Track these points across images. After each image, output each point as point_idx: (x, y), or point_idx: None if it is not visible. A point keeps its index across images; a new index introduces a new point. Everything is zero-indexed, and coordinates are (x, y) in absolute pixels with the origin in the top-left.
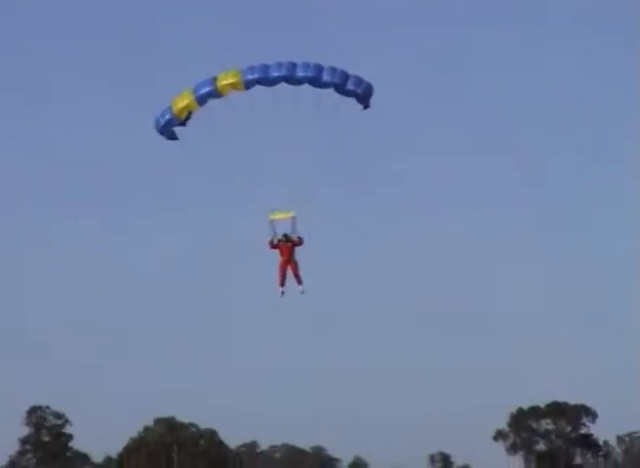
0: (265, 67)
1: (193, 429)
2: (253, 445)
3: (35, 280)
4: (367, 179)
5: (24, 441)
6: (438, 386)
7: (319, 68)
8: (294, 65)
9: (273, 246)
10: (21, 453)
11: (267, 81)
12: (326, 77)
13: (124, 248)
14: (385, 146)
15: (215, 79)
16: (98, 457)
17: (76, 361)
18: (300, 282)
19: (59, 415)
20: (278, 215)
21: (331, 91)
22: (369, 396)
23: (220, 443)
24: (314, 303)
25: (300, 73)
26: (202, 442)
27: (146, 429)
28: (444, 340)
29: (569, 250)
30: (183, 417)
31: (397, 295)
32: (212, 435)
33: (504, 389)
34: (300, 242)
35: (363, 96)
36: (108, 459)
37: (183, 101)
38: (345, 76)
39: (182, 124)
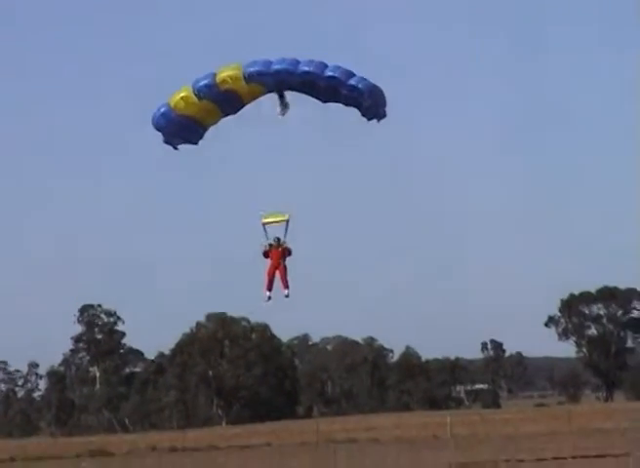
0: (267, 62)
1: (245, 324)
2: (305, 337)
3: (89, 180)
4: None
5: (77, 339)
6: (489, 275)
7: (323, 65)
8: (297, 61)
9: (266, 254)
10: (75, 352)
11: (269, 74)
12: (328, 72)
13: None
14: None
15: (214, 74)
16: (150, 354)
17: (128, 258)
18: (286, 286)
19: (110, 313)
20: (272, 218)
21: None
22: (421, 286)
23: (272, 336)
24: (360, 190)
25: (302, 68)
26: (254, 336)
27: (198, 325)
28: (495, 230)
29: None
30: (235, 312)
31: (444, 188)
32: (264, 329)
33: (555, 275)
34: (289, 253)
35: (368, 95)
36: (161, 355)
37: (181, 93)
38: (349, 73)
39: (193, 142)
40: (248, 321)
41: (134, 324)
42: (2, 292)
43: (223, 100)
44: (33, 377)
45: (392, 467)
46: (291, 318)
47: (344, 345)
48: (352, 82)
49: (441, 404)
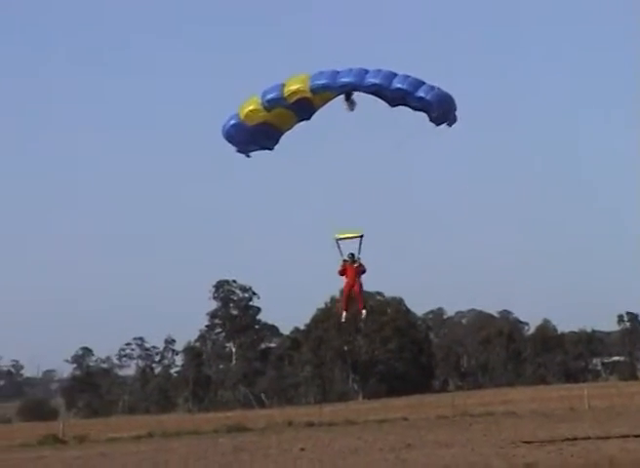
0: (334, 73)
1: (380, 298)
2: (439, 311)
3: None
4: None
5: (213, 315)
6: (624, 247)
7: (390, 75)
8: (365, 71)
9: (342, 272)
10: (210, 328)
11: (335, 87)
12: (396, 84)
13: None
14: None
15: (283, 85)
16: (285, 329)
17: (261, 233)
18: (363, 306)
19: (245, 289)
20: (346, 235)
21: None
22: (556, 257)
23: (407, 311)
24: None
25: (369, 79)
26: (389, 310)
27: (333, 299)
28: (622, 204)
29: None
30: (369, 287)
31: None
32: (398, 303)
33: None
34: (364, 270)
35: (437, 105)
36: (296, 331)
37: (249, 106)
38: (418, 84)
39: (268, 148)
40: (382, 295)
41: (269, 299)
42: (139, 270)
43: (295, 108)
44: (170, 354)
45: (529, 440)
46: (425, 292)
47: (479, 319)
48: (420, 94)
49: (577, 376)
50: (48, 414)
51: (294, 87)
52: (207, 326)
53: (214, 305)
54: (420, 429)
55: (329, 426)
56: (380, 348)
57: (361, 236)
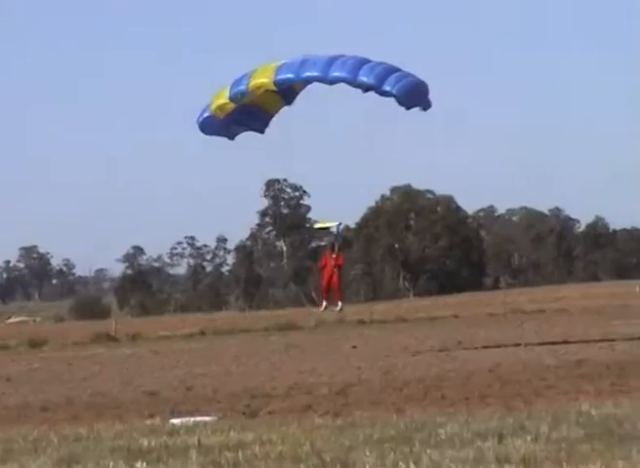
0: (301, 64)
1: (430, 196)
2: (490, 209)
3: None
4: None
5: (264, 214)
6: None
7: (356, 67)
8: (331, 63)
9: (322, 265)
10: (261, 226)
11: (299, 81)
12: (361, 77)
13: None
14: None
15: (249, 77)
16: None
17: (312, 131)
18: (339, 298)
19: (296, 188)
20: (325, 224)
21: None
22: (609, 157)
23: (458, 208)
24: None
25: (333, 73)
26: (439, 208)
27: (383, 198)
28: None
29: None
30: (419, 185)
31: None
32: (449, 201)
33: None
34: (340, 264)
35: (404, 98)
36: (347, 229)
37: (219, 100)
38: (385, 75)
39: (230, 137)
40: (433, 193)
41: (319, 198)
42: (189, 168)
43: (266, 98)
44: (221, 252)
45: (581, 337)
46: (476, 190)
47: (530, 216)
48: (386, 87)
49: (629, 273)
50: (100, 313)
51: (259, 80)
52: (258, 224)
53: (265, 204)
54: (470, 326)
55: (380, 324)
56: (430, 246)
57: (339, 224)
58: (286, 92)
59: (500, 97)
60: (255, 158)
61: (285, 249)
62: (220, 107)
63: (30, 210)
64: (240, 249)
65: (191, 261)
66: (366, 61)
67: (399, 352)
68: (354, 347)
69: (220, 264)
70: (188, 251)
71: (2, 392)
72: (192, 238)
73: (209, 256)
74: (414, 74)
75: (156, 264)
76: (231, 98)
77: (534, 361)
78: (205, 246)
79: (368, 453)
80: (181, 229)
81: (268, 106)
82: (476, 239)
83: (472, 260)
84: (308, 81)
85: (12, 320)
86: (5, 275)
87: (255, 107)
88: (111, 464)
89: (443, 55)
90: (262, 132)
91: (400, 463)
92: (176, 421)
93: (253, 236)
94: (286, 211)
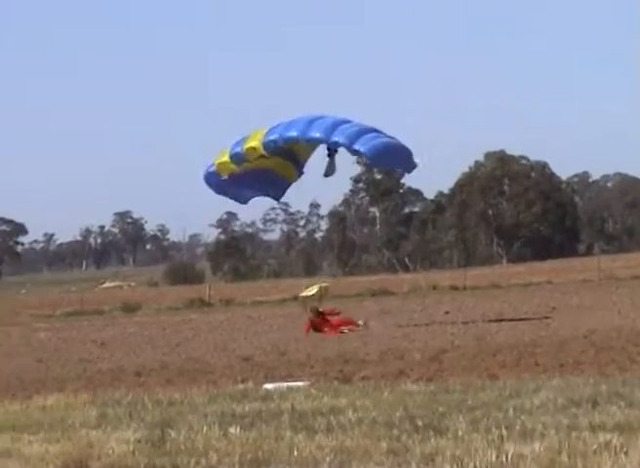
0: (284, 128)
1: (524, 162)
2: (584, 175)
3: None
4: None
5: (357, 180)
6: None
7: (331, 129)
8: (309, 124)
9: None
10: (354, 192)
11: (284, 141)
12: (334, 137)
13: None
14: None
15: (245, 140)
16: (429, 193)
17: (403, 97)
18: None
19: None
20: (311, 292)
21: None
22: None
23: (552, 174)
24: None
25: (310, 134)
26: (533, 174)
27: (477, 164)
28: None
29: None
30: (514, 150)
31: None
32: (543, 167)
33: None
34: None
35: (375, 159)
36: (440, 195)
37: (221, 158)
38: (358, 135)
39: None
40: (527, 159)
41: None
42: None
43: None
44: (314, 218)
45: None
46: (570, 156)
47: (625, 182)
48: (356, 147)
49: None
50: (194, 278)
51: (251, 144)
52: (351, 190)
53: (358, 170)
54: (564, 293)
55: (473, 290)
56: (524, 212)
57: (322, 287)
58: (289, 157)
59: (600, 62)
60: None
61: (378, 214)
62: (223, 165)
63: (124, 175)
64: (333, 214)
65: (284, 227)
66: (343, 122)
67: (493, 318)
68: (447, 313)
69: (314, 230)
70: (282, 216)
71: (96, 356)
72: (285, 204)
73: (302, 222)
74: (394, 137)
75: (249, 230)
76: (231, 158)
77: (628, 327)
78: (298, 211)
79: (461, 419)
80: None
81: (285, 173)
82: (570, 205)
83: (566, 226)
84: (289, 140)
85: (106, 285)
86: (99, 240)
87: (271, 173)
88: (205, 429)
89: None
90: (279, 199)
91: (493, 429)
92: (269, 386)
93: (346, 202)
94: (379, 176)
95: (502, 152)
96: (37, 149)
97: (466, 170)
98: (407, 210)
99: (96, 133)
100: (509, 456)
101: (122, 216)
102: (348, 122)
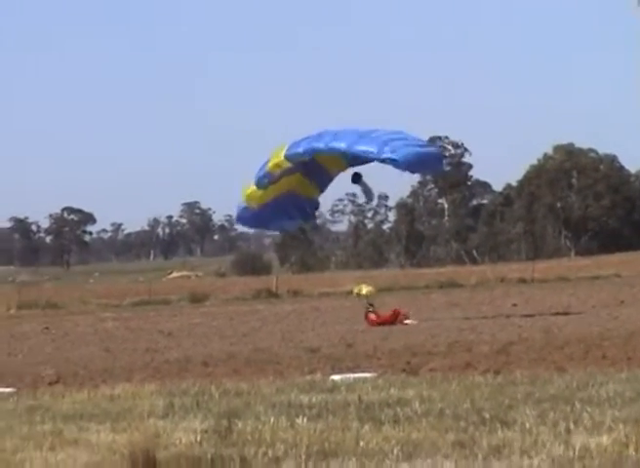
0: (308, 140)
1: (593, 155)
2: None
3: None
4: None
5: None
6: None
7: (357, 138)
8: (334, 136)
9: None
10: (423, 184)
11: (308, 153)
12: (362, 147)
13: None
14: None
15: (266, 163)
16: (498, 185)
17: (475, 87)
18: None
19: (457, 145)
20: (364, 290)
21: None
22: None
23: (621, 167)
24: None
25: (336, 145)
26: (602, 167)
27: (546, 156)
28: None
29: None
30: (583, 143)
31: None
32: (612, 160)
33: None
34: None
35: (406, 167)
36: (508, 187)
37: (249, 190)
38: (384, 144)
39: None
40: (596, 152)
41: (481, 156)
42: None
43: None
44: (383, 209)
45: None
46: (638, 148)
47: None
48: (386, 155)
49: None
50: (261, 269)
51: (273, 161)
52: (419, 182)
53: None
54: (633, 286)
55: (541, 283)
56: (593, 205)
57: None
58: (314, 173)
59: None
60: (415, 113)
61: (446, 206)
62: (252, 196)
63: (192, 165)
64: (401, 206)
65: (352, 218)
66: (368, 134)
67: (560, 311)
68: (515, 305)
69: (382, 221)
70: (349, 207)
71: (164, 346)
72: (354, 195)
73: (370, 214)
74: (420, 139)
75: (317, 221)
76: (257, 184)
77: None
78: (366, 203)
79: (528, 412)
80: (342, 186)
81: (307, 192)
82: (639, 199)
83: (635, 220)
84: (313, 152)
85: (174, 275)
86: (168, 230)
87: (294, 196)
88: (272, 420)
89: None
90: (309, 220)
91: (560, 422)
92: (336, 378)
93: (414, 193)
94: (448, 168)
95: (571, 145)
96: (105, 139)
97: (535, 162)
98: (475, 202)
99: (164, 122)
100: (577, 449)
101: (190, 207)
102: (374, 131)
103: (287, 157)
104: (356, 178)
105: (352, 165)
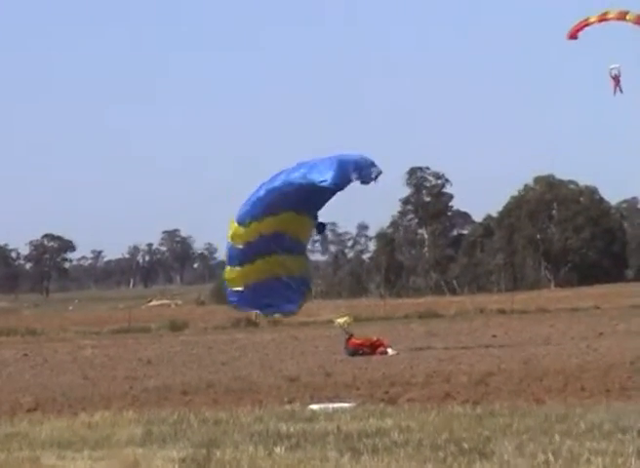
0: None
1: (573, 186)
2: (633, 200)
3: None
4: None
5: (405, 201)
6: None
7: (288, 179)
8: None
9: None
10: (403, 214)
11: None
12: (298, 180)
13: None
14: None
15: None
16: (478, 216)
17: (455, 119)
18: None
19: (438, 176)
20: (342, 319)
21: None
22: None
23: (601, 200)
24: None
25: (279, 186)
26: (582, 199)
27: (526, 188)
28: None
29: None
30: (563, 175)
31: None
32: (592, 192)
33: None
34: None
35: (341, 183)
36: (488, 218)
37: (229, 231)
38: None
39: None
40: (576, 183)
41: (461, 186)
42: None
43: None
44: (362, 239)
45: None
46: (619, 181)
47: None
48: (317, 182)
49: None
50: None
51: (230, 232)
52: (399, 212)
53: (406, 192)
54: (612, 318)
55: (520, 314)
56: (572, 237)
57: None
58: (284, 244)
59: None
60: (397, 144)
61: (426, 237)
62: (236, 279)
63: (173, 193)
64: (381, 236)
65: (332, 248)
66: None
67: (540, 342)
68: (494, 336)
69: (361, 251)
70: (330, 237)
71: (143, 374)
72: (334, 224)
73: (350, 243)
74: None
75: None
76: (231, 265)
77: None
78: (346, 232)
79: (507, 443)
80: (323, 216)
81: (292, 268)
82: (619, 231)
83: (614, 252)
84: (255, 208)
85: (153, 303)
86: (147, 258)
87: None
88: (250, 449)
89: None
90: (293, 312)
91: (539, 454)
92: (315, 407)
93: (394, 224)
94: (428, 199)
95: (552, 176)
96: (85, 166)
97: (515, 193)
98: (455, 232)
99: (145, 151)
100: None
101: (170, 235)
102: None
103: (239, 222)
104: (321, 228)
105: (308, 210)
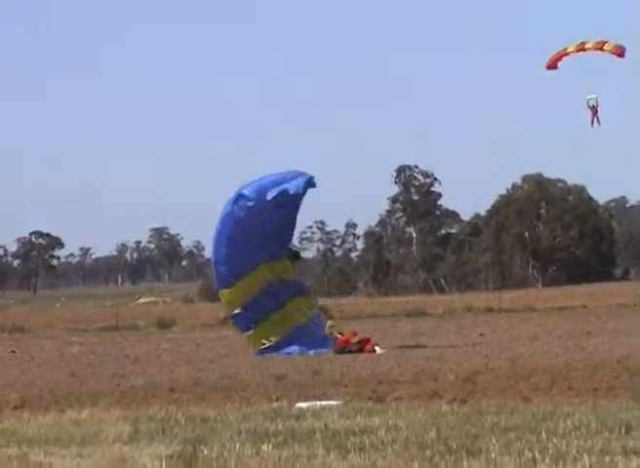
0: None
1: (561, 185)
2: (622, 200)
3: None
4: None
5: (394, 200)
6: None
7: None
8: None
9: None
10: (391, 212)
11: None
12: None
13: None
14: None
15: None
16: (466, 215)
17: (442, 120)
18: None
19: (427, 174)
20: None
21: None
22: None
23: (589, 198)
24: None
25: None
26: (570, 198)
27: (514, 186)
28: None
29: None
30: (551, 174)
31: None
32: (580, 191)
33: None
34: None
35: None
36: (477, 217)
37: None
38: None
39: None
40: (564, 182)
41: (450, 185)
42: (321, 153)
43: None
44: (351, 237)
45: None
46: (608, 180)
47: None
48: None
49: None
50: None
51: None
52: (388, 210)
53: (395, 190)
54: (599, 317)
55: (508, 312)
56: (560, 235)
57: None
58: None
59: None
60: (386, 143)
61: (415, 235)
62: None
63: (162, 190)
64: (369, 234)
65: (321, 246)
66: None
67: (527, 341)
68: (482, 334)
69: (350, 249)
70: (318, 235)
71: (130, 371)
72: (322, 222)
73: (338, 242)
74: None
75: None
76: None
77: None
78: (335, 231)
79: (494, 441)
80: (311, 213)
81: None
82: (607, 229)
83: (602, 251)
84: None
85: (141, 300)
86: (135, 255)
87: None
88: (237, 446)
89: None
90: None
91: (526, 452)
92: (302, 405)
93: (382, 222)
94: (416, 197)
95: (540, 175)
96: (73, 163)
97: (504, 192)
98: (443, 231)
99: (134, 147)
100: None
101: (158, 232)
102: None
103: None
104: (297, 256)
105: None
